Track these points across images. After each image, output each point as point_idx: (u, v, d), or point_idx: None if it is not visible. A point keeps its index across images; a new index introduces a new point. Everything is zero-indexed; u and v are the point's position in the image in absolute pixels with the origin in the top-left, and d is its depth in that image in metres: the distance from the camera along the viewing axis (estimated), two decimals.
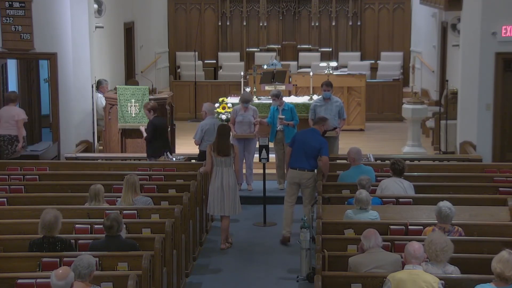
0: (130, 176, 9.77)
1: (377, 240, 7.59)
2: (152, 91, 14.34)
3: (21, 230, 8.80)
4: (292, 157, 11.11)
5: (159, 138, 12.70)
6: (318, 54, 22.21)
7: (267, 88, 16.10)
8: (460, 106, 14.48)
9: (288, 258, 10.65)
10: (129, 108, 13.82)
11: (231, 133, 13.78)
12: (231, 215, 11.03)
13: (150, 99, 13.86)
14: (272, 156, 12.74)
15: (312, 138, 11.11)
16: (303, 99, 16.10)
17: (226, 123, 13.21)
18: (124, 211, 9.36)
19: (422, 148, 15.24)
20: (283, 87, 15.89)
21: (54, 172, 11.92)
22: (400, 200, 10.04)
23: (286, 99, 14.18)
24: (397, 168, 10.39)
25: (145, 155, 13.49)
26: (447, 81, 16.06)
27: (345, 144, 14.68)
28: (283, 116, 13.28)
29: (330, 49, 22.37)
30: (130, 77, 18.66)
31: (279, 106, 13.47)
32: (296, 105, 14.75)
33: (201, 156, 12.71)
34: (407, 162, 12.68)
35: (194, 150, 14.65)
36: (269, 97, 14.07)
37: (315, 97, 15.56)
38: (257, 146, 13.09)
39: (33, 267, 7.74)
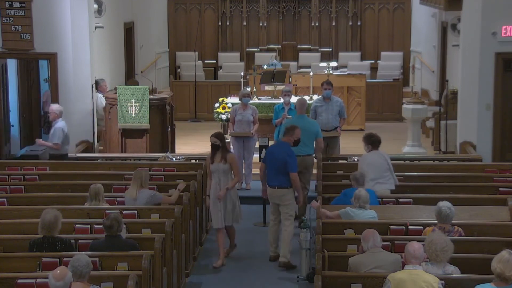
0: (138, 169, 9.89)
1: (376, 240, 7.58)
2: (152, 91, 14.33)
3: (21, 230, 8.80)
4: (267, 174, 10.57)
5: None
6: (318, 54, 22.20)
7: (267, 88, 16.08)
8: (460, 106, 14.48)
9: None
10: (129, 108, 13.80)
11: (228, 131, 13.79)
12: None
13: (150, 99, 13.86)
14: None
15: (279, 152, 10.36)
16: None
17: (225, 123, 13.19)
18: (124, 211, 9.36)
19: (422, 148, 15.24)
20: (283, 87, 15.86)
21: (54, 172, 11.92)
22: (400, 200, 10.04)
23: None
24: (375, 140, 10.61)
25: (144, 155, 13.49)
26: (447, 81, 16.06)
27: (345, 144, 14.68)
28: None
29: (330, 49, 22.37)
30: (130, 77, 18.64)
31: (286, 105, 13.39)
32: None
33: (64, 159, 12.60)
34: (407, 162, 12.74)
35: (194, 150, 14.68)
36: (282, 94, 13.76)
37: (315, 97, 15.54)
38: (257, 146, 13.08)
39: (33, 267, 7.74)
